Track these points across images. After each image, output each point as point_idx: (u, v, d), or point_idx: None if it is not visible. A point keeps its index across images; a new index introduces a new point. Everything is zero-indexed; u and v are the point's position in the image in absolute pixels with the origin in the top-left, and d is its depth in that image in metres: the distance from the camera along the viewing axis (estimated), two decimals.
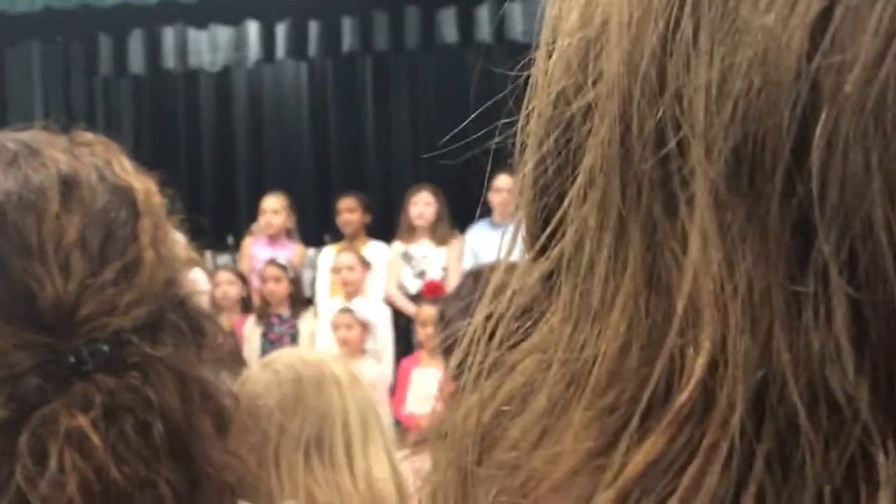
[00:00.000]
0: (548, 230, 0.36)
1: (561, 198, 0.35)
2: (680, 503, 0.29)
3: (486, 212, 6.53)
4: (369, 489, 1.58)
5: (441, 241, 6.47)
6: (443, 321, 1.91)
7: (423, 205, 6.47)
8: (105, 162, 0.91)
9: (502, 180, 6.39)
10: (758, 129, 0.29)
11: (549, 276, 0.36)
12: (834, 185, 0.28)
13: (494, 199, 6.34)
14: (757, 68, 0.29)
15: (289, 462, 1.57)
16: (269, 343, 5.85)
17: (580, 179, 0.34)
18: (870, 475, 0.28)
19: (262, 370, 1.65)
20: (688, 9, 0.31)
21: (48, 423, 0.83)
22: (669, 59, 0.32)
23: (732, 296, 0.30)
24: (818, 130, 0.28)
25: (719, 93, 0.30)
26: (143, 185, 0.92)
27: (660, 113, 0.32)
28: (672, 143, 0.31)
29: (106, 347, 0.85)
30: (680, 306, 0.31)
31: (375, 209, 6.92)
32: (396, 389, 5.57)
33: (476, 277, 1.88)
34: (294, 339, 5.97)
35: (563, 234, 0.35)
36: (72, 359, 0.84)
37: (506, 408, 0.36)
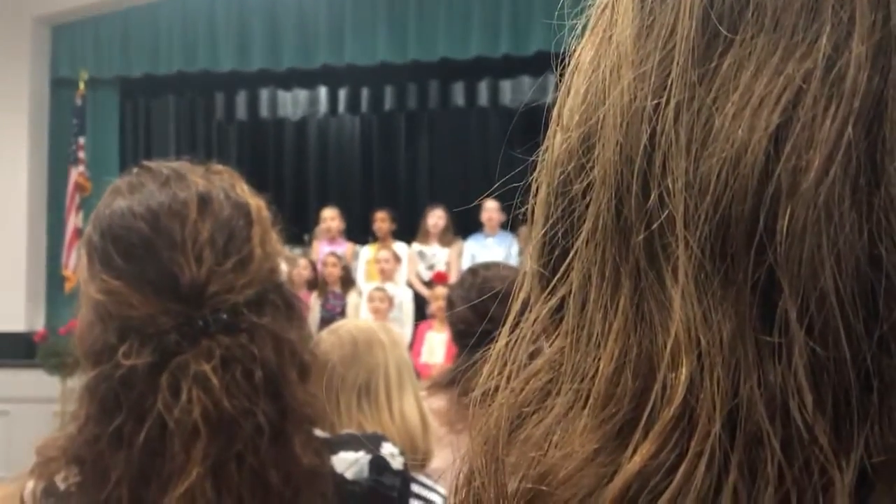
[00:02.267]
0: (556, 276, 0.33)
1: (565, 252, 0.33)
2: (671, 497, 0.27)
3: (480, 226, 6.58)
4: (402, 422, 1.56)
5: (447, 243, 6.51)
6: (449, 304, 1.89)
7: (436, 217, 6.54)
8: (230, 185, 0.93)
9: (490, 204, 6.49)
10: (731, 215, 0.27)
11: (557, 311, 0.33)
12: (795, 262, 0.26)
13: (484, 216, 6.45)
14: (730, 169, 0.27)
15: (346, 403, 1.54)
16: (327, 312, 5.84)
17: (582, 239, 0.32)
18: (826, 485, 0.26)
19: (328, 335, 1.64)
20: (671, 115, 0.29)
21: (182, 367, 0.85)
22: (657, 152, 0.29)
23: (708, 340, 0.27)
24: (783, 221, 0.26)
25: (699, 185, 0.28)
26: (256, 202, 0.93)
27: (649, 196, 0.29)
28: (659, 220, 0.29)
29: (225, 316, 0.87)
30: (661, 341, 0.28)
31: (401, 220, 6.92)
32: (414, 346, 5.58)
33: (473, 273, 1.85)
34: (343, 310, 5.96)
35: (568, 280, 0.32)
36: (200, 323, 0.86)
37: (526, 409, 0.33)
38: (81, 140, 7.52)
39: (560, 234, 0.33)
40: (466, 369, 1.80)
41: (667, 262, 0.29)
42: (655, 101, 0.29)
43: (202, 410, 0.84)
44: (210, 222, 0.88)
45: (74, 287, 7.78)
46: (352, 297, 6.11)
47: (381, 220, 6.65)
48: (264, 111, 8.83)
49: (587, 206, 0.32)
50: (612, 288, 0.30)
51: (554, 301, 0.33)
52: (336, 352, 1.54)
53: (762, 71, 0.27)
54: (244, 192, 0.93)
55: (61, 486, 0.88)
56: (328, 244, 6.63)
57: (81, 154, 7.50)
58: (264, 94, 8.73)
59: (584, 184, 0.32)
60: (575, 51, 0.35)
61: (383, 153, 8.98)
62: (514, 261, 6.25)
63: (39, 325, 7.06)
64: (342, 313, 5.89)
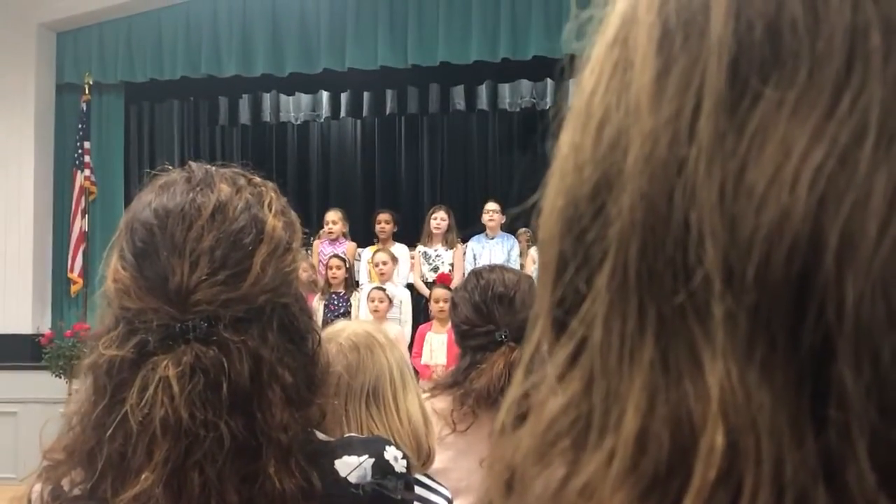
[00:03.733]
0: (572, 319, 0.31)
1: (582, 295, 0.30)
2: None
3: (481, 228, 6.58)
4: (410, 424, 1.55)
5: (450, 245, 6.49)
6: (453, 305, 1.88)
7: (439, 219, 6.52)
8: (257, 198, 0.92)
9: (491, 205, 6.50)
10: (778, 281, 0.25)
11: (574, 355, 0.31)
12: (852, 332, 0.24)
13: (485, 218, 6.44)
14: (774, 234, 0.25)
15: (354, 411, 1.53)
16: (330, 313, 5.84)
17: (602, 283, 0.29)
18: None
19: (328, 343, 1.63)
20: (701, 168, 0.27)
21: (153, 369, 0.84)
22: (687, 207, 0.27)
23: (749, 404, 0.26)
24: (840, 290, 0.24)
25: (739, 248, 0.26)
26: (276, 221, 0.91)
27: (681, 252, 0.27)
28: (695, 280, 0.27)
29: (203, 325, 0.85)
30: (694, 400, 0.26)
31: (403, 221, 6.91)
32: (414, 346, 5.58)
33: (477, 276, 1.85)
34: (347, 311, 5.95)
35: (585, 323, 0.30)
36: (178, 327, 0.85)
37: (547, 448, 0.31)
38: (87, 144, 7.51)
39: (575, 275, 0.31)
40: (468, 371, 1.79)
41: (699, 321, 0.27)
42: (682, 153, 0.27)
43: (163, 415, 0.83)
44: (216, 231, 0.87)
45: (80, 290, 7.75)
46: (355, 298, 6.11)
47: (384, 222, 6.64)
48: (267, 115, 8.82)
49: (607, 253, 0.30)
50: (636, 338, 0.29)
51: (572, 345, 0.31)
52: (340, 361, 1.53)
53: (801, 128, 0.26)
54: (269, 207, 0.92)
55: (68, 489, 0.88)
56: (330, 245, 6.63)
57: (87, 158, 7.50)
58: (267, 98, 8.72)
59: (604, 228, 0.30)
60: (579, 76, 0.32)
61: (384, 156, 8.98)
62: (514, 263, 6.26)
63: (46, 328, 7.05)
64: (346, 314, 5.89)
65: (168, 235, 0.87)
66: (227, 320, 0.86)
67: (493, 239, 6.51)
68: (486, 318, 1.79)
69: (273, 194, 0.95)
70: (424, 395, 1.74)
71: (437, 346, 5.40)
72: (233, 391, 0.85)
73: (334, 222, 6.70)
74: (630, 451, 0.28)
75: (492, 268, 1.89)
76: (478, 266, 2.40)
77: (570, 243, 0.31)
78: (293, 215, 0.97)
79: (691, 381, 0.27)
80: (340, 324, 1.67)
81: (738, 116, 0.27)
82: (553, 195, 0.32)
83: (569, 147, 0.32)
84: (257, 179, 0.96)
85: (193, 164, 0.95)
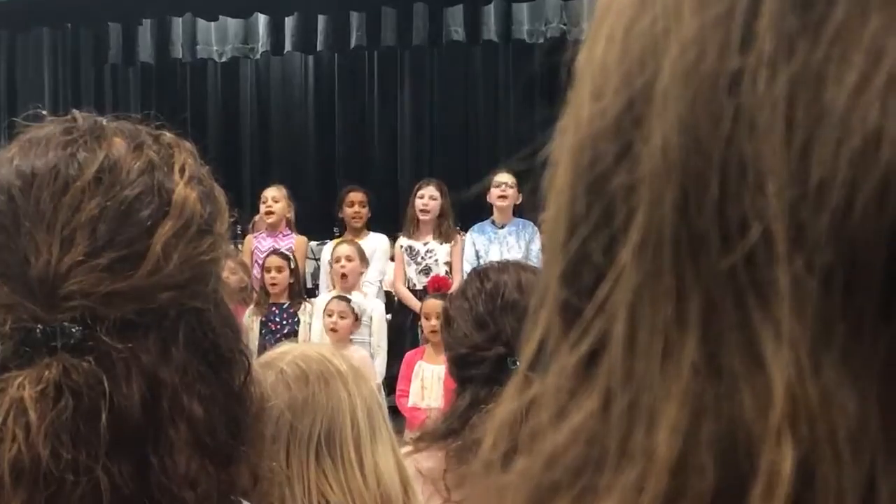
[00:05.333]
0: (590, 309, 0.32)
1: (602, 274, 0.31)
2: None
3: (488, 212, 6.51)
4: (379, 486, 1.56)
5: (444, 236, 6.44)
6: (446, 320, 1.87)
7: (428, 199, 6.43)
8: (165, 160, 0.92)
9: (502, 177, 6.38)
10: (865, 236, 0.26)
11: (590, 357, 0.32)
12: None
13: (494, 196, 6.30)
14: (859, 168, 0.26)
15: (299, 462, 1.54)
16: (269, 333, 5.82)
17: (628, 256, 0.31)
18: None
19: (265, 369, 1.63)
20: (761, 82, 0.28)
21: (3, 389, 0.84)
22: (742, 136, 0.28)
23: (827, 409, 0.27)
24: None
25: (812, 190, 0.27)
26: (189, 191, 0.92)
27: (735, 200, 0.28)
28: (752, 237, 0.28)
29: (76, 329, 0.85)
30: (754, 409, 0.27)
31: (377, 202, 6.87)
32: (399, 381, 5.54)
33: (480, 277, 1.84)
34: (293, 329, 5.94)
35: (607, 313, 0.31)
36: (39, 332, 0.85)
37: (549, 494, 0.32)
38: None
39: (594, 248, 0.32)
40: (469, 414, 1.77)
41: (759, 298, 0.28)
42: (737, 62, 0.28)
43: (14, 454, 0.82)
44: (101, 198, 0.87)
45: None
46: (304, 313, 6.10)
47: (357, 204, 6.56)
48: (178, 50, 8.80)
49: (634, 209, 0.30)
50: (674, 329, 0.29)
51: (587, 344, 0.32)
52: (281, 394, 1.54)
53: None
54: (180, 174, 0.92)
55: None
56: (270, 237, 6.63)
57: None
58: (178, 25, 8.70)
59: (631, 176, 0.30)
60: None
61: (349, 110, 8.97)
62: (536, 260, 6.23)
63: None
64: (292, 335, 5.87)
65: (32, 202, 0.87)
66: (112, 323, 0.85)
67: (504, 227, 6.48)
68: (494, 336, 1.77)
69: (188, 156, 0.95)
70: (405, 450, 1.73)
71: (432, 382, 5.34)
72: (116, 423, 0.84)
73: (275, 200, 6.68)
74: (663, 486, 0.28)
75: (501, 265, 1.88)
76: (483, 264, 2.39)
77: (583, 197, 0.32)
78: (217, 188, 0.98)
79: (748, 383, 0.27)
80: (284, 346, 1.68)
81: (813, 12, 0.28)
82: (565, 133, 0.33)
83: (585, 65, 0.33)
84: (168, 136, 0.96)
85: (77, 114, 0.95)
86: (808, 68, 0.27)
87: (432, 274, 6.35)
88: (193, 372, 0.89)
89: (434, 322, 5.19)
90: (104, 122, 0.94)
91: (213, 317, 0.93)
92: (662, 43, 0.30)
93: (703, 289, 0.29)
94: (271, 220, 6.65)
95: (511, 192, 6.30)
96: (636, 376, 0.30)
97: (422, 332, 5.76)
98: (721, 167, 0.28)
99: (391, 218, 6.85)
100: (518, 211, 6.46)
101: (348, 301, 5.70)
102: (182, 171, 0.93)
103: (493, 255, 6.19)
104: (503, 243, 6.39)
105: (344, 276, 5.97)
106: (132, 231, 0.87)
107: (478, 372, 1.78)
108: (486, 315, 1.78)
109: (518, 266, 1.86)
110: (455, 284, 5.98)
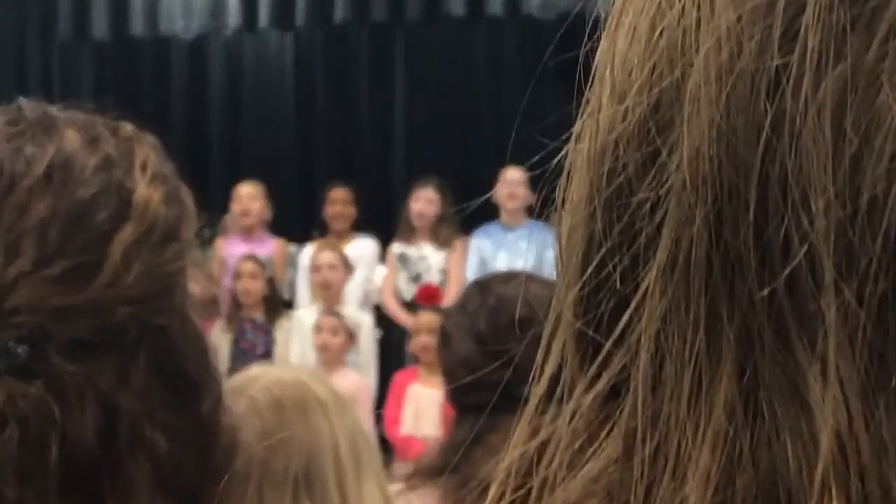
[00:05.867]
0: (609, 341, 0.32)
1: (623, 301, 0.32)
2: None
3: (494, 213, 6.53)
4: None
5: (443, 241, 6.48)
6: (444, 338, 1.89)
7: (424, 200, 6.50)
8: (124, 156, 0.93)
9: (511, 174, 6.41)
10: None
11: (610, 396, 0.33)
12: None
13: (501, 195, 6.32)
14: None
15: (274, 503, 1.56)
16: (241, 353, 5.84)
17: (653, 281, 0.31)
18: None
19: (233, 398, 1.64)
20: (806, 84, 0.28)
21: None
22: (784, 145, 0.28)
23: (874, 458, 0.27)
24: None
25: (863, 207, 0.27)
26: (152, 192, 0.93)
27: (776, 218, 0.28)
28: (794, 262, 0.28)
29: (22, 349, 0.85)
30: (799, 457, 0.27)
31: (367, 202, 6.92)
32: (388, 407, 5.59)
33: (483, 289, 1.86)
34: (268, 348, 5.95)
35: (628, 346, 0.32)
36: None
37: None
38: None
39: (614, 271, 0.32)
40: (469, 447, 1.80)
41: (803, 331, 0.28)
42: (779, 60, 0.28)
43: None
44: (52, 199, 0.88)
45: None
46: (282, 328, 6.12)
47: (339, 203, 6.63)
48: (137, 26, 8.82)
49: (660, 227, 0.31)
50: (705, 364, 0.30)
51: (606, 380, 0.32)
52: (251, 425, 1.56)
53: None
54: (141, 172, 0.93)
55: None
56: (243, 242, 6.64)
57: None
58: None
59: (656, 190, 0.31)
60: None
61: (335, 94, 8.99)
62: (550, 271, 6.24)
63: None
64: (266, 355, 5.90)
65: None
66: (63, 342, 0.86)
67: (513, 231, 6.52)
68: (498, 359, 1.78)
69: (150, 152, 0.96)
70: (396, 487, 1.75)
71: (427, 407, 5.41)
72: (68, 457, 0.85)
73: (251, 199, 6.70)
74: None
75: (507, 276, 1.92)
76: (486, 274, 2.41)
77: (603, 212, 0.32)
78: (183, 187, 0.98)
79: (790, 428, 0.27)
80: (257, 369, 1.70)
81: (865, 4, 0.28)
82: (581, 137, 0.34)
83: (605, 60, 0.33)
84: (127, 128, 0.97)
85: (24, 102, 0.96)
86: (860, 68, 0.27)
87: (422, 282, 6.36)
88: (156, 398, 0.90)
89: (425, 338, 5.24)
90: (54, 111, 0.95)
91: (179, 335, 0.93)
92: (693, 37, 0.30)
93: (738, 319, 0.29)
94: (247, 221, 6.69)
95: (522, 190, 6.34)
96: (662, 418, 0.30)
97: (411, 349, 5.78)
98: (760, 181, 0.28)
99: (382, 219, 6.88)
100: (531, 212, 6.48)
101: (340, 317, 5.73)
102: (144, 168, 0.93)
103: (501, 262, 6.24)
104: (512, 249, 6.42)
105: (326, 286, 6.00)
106: (87, 237, 0.88)
107: (479, 399, 1.79)
108: (489, 333, 1.80)
109: (527, 277, 1.88)
110: (452, 293, 6.02)
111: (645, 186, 0.31)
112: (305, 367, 4.92)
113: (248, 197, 6.71)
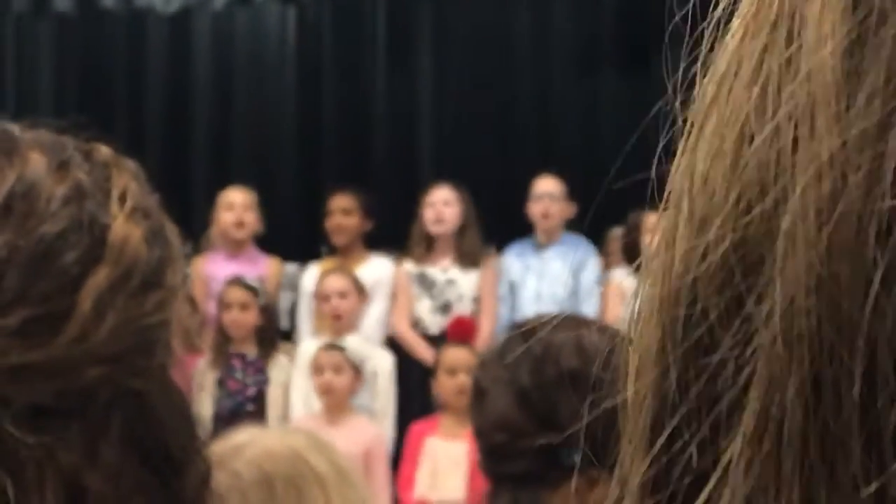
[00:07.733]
0: None
1: (701, 477, 0.33)
2: None
3: (526, 228, 6.58)
4: None
5: (471, 261, 6.51)
6: (477, 392, 1.92)
7: (440, 205, 6.61)
8: (98, 185, 0.95)
9: (546, 184, 6.43)
10: None
11: None
12: None
13: (535, 209, 6.37)
14: None
15: None
16: (228, 396, 5.88)
17: (736, 455, 0.31)
18: None
19: (214, 472, 1.67)
20: None
21: None
22: (893, 299, 0.29)
23: None
24: None
25: None
26: (132, 228, 0.95)
27: (880, 398, 0.29)
28: None
29: None
30: None
31: (381, 212, 7.01)
32: (403, 464, 5.63)
33: (526, 336, 1.85)
34: (261, 391, 5.97)
35: None
36: None
37: None
38: None
39: (686, 432, 0.33)
40: None
41: None
42: (891, 201, 0.29)
43: None
44: (11, 235, 0.90)
45: None
46: (279, 366, 6.14)
47: (344, 212, 6.71)
48: None
49: (746, 389, 0.31)
50: None
51: None
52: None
53: None
54: (119, 205, 0.95)
55: None
56: (231, 261, 6.66)
57: None
58: None
59: (742, 344, 0.31)
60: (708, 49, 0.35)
61: (344, 78, 9.02)
62: (588, 295, 6.23)
63: None
64: (258, 398, 5.91)
65: None
66: (21, 408, 0.88)
67: (548, 248, 6.55)
68: (544, 420, 1.80)
69: (130, 181, 0.98)
70: None
71: (448, 466, 5.45)
72: None
73: (244, 207, 6.75)
74: None
75: (554, 321, 1.94)
76: (523, 312, 2.45)
77: (677, 371, 0.33)
78: (168, 224, 1.00)
79: None
80: (244, 434, 1.73)
81: None
82: (650, 275, 0.35)
83: (684, 177, 0.34)
84: (104, 152, 0.99)
85: None
86: None
87: (454, 314, 6.39)
88: (130, 478, 0.92)
89: (458, 379, 5.28)
90: (16, 130, 0.97)
91: (158, 401, 0.96)
92: (790, 161, 0.31)
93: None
94: (239, 234, 6.81)
95: (557, 206, 6.47)
96: None
97: (436, 391, 5.83)
98: (868, 347, 0.29)
99: (404, 234, 6.96)
100: (571, 226, 6.55)
101: (342, 350, 5.77)
102: (122, 200, 0.96)
103: (529, 286, 6.29)
104: (542, 272, 6.49)
105: (338, 316, 6.05)
106: (52, 282, 0.91)
107: (520, 467, 1.83)
108: (532, 389, 1.82)
109: (576, 322, 1.88)
110: (486, 328, 6.04)
111: (725, 342, 0.32)
112: (304, 431, 4.98)
113: (242, 204, 6.74)
